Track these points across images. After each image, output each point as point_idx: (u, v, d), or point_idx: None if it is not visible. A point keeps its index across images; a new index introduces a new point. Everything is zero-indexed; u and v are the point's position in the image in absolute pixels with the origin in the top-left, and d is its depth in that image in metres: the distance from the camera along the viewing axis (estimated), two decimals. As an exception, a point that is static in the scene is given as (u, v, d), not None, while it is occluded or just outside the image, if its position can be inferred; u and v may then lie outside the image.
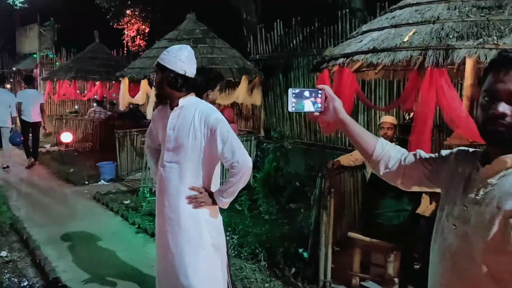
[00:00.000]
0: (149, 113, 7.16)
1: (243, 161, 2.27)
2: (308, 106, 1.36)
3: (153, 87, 2.53)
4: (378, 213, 3.41)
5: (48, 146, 10.39)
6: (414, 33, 3.27)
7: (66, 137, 10.19)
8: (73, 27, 14.08)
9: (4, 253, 4.09)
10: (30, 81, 8.79)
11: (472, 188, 1.18)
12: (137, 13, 14.95)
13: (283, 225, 4.74)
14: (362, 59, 3.49)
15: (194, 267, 2.33)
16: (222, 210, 2.51)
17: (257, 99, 7.71)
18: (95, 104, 11.09)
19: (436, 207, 3.27)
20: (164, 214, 2.41)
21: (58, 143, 10.47)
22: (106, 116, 10.54)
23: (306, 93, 1.36)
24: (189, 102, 2.40)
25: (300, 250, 3.88)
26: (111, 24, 14.77)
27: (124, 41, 15.40)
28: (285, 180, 5.34)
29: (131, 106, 9.53)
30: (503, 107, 1.10)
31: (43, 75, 12.97)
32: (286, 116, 7.84)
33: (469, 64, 3.05)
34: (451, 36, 3.07)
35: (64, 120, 10.96)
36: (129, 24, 15.14)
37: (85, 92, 11.98)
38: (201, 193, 2.36)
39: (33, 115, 8.27)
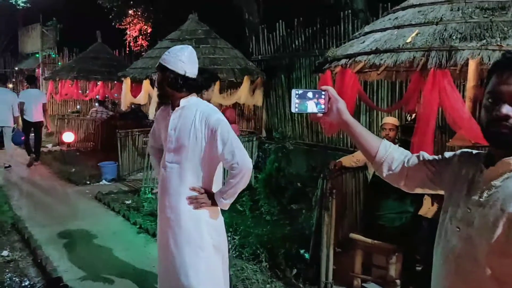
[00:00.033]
0: (151, 113, 7.16)
1: (243, 162, 2.26)
2: (311, 107, 1.36)
3: (155, 87, 2.53)
4: (380, 214, 3.40)
5: (50, 145, 10.40)
6: (417, 34, 3.26)
7: (68, 137, 10.20)
8: (76, 27, 14.10)
9: (5, 253, 4.09)
10: (32, 81, 8.82)
11: (475, 190, 1.18)
12: (139, 13, 14.97)
13: (285, 226, 4.73)
14: (365, 60, 3.48)
15: (194, 267, 2.32)
16: (223, 211, 2.51)
17: (258, 100, 7.71)
18: (97, 104, 11.11)
19: (438, 209, 3.26)
20: (165, 215, 2.42)
21: (60, 142, 10.48)
22: (108, 116, 10.56)
23: (310, 94, 1.35)
24: (190, 102, 2.40)
25: (302, 251, 3.88)
26: (113, 24, 14.79)
27: (126, 41, 15.41)
28: (286, 181, 5.34)
29: (133, 106, 9.54)
30: (506, 109, 1.10)
31: (45, 75, 12.99)
32: (288, 116, 7.84)
33: (472, 66, 3.04)
34: (454, 37, 3.06)
35: (66, 120, 10.98)
36: (131, 24, 15.16)
37: (87, 92, 12.01)
38: (201, 193, 2.35)
39: (35, 115, 8.29)
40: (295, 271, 3.63)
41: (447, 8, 3.36)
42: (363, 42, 3.67)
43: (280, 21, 8.01)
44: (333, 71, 3.89)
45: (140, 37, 15.41)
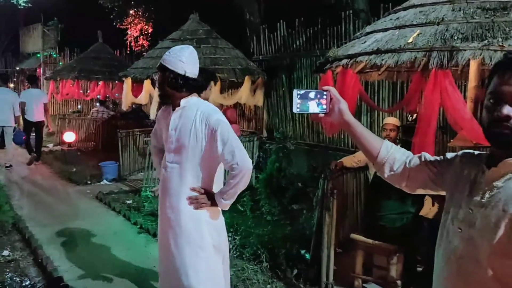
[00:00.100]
0: (152, 113, 7.17)
1: (243, 163, 2.25)
2: (313, 107, 1.35)
3: (156, 87, 2.53)
4: (381, 215, 3.40)
5: (51, 145, 10.41)
6: (418, 35, 3.26)
7: (69, 136, 10.20)
8: (77, 27, 14.12)
9: (6, 252, 4.09)
10: (33, 81, 8.83)
11: (477, 191, 1.17)
12: (140, 13, 14.98)
13: (285, 226, 4.73)
14: (366, 60, 3.48)
15: (194, 267, 2.32)
16: (224, 211, 2.50)
17: (259, 100, 7.71)
18: (98, 104, 11.12)
19: (439, 209, 3.26)
20: (165, 215, 2.42)
21: (61, 142, 10.48)
22: (109, 116, 10.56)
23: (311, 94, 1.35)
24: (190, 102, 2.40)
25: (302, 252, 3.87)
26: (114, 24, 14.80)
27: (127, 41, 15.42)
28: (287, 181, 5.33)
29: (134, 106, 9.54)
30: (507, 110, 1.10)
31: (47, 75, 13.01)
32: (289, 116, 7.83)
33: (473, 66, 3.04)
34: (455, 38, 3.05)
35: (67, 119, 10.98)
36: (132, 24, 15.16)
37: (88, 92, 12.01)
38: (202, 194, 2.35)
39: (36, 115, 8.29)
40: (295, 271, 3.63)
41: (449, 8, 3.35)
42: (364, 42, 3.66)
43: (281, 21, 8.01)
44: (334, 71, 3.88)
45: (141, 37, 15.42)
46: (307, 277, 3.53)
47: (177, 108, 2.40)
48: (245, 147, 2.39)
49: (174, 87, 2.36)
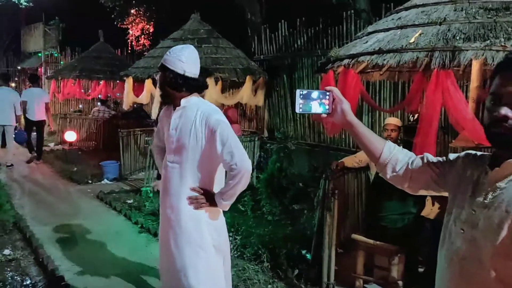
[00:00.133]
0: (154, 112, 7.18)
1: (242, 163, 2.24)
2: (315, 107, 1.35)
3: (157, 87, 2.53)
4: (382, 215, 3.39)
5: (52, 144, 10.41)
6: (420, 35, 3.25)
7: (70, 136, 10.22)
8: (78, 26, 14.14)
9: (7, 251, 4.09)
10: (35, 80, 8.83)
11: (480, 192, 1.17)
12: (141, 12, 14.99)
13: (286, 226, 4.72)
14: (368, 60, 3.48)
15: (194, 267, 2.32)
16: (225, 211, 2.50)
17: (260, 100, 7.70)
18: (99, 103, 11.12)
19: (441, 210, 3.25)
20: (166, 215, 2.42)
21: (62, 141, 10.49)
22: (110, 116, 10.56)
23: (314, 95, 1.35)
24: (190, 102, 2.39)
25: (303, 252, 3.87)
26: (115, 23, 14.82)
27: (129, 41, 15.43)
28: (288, 181, 5.32)
29: (135, 105, 9.54)
30: (505, 110, 1.11)
31: (48, 74, 13.02)
32: (290, 116, 7.83)
33: (475, 66, 3.03)
34: (457, 38, 3.05)
35: (68, 119, 10.99)
36: (133, 24, 15.17)
37: (90, 91, 12.03)
38: (202, 194, 2.35)
39: (37, 114, 8.30)
40: (296, 271, 3.62)
41: (451, 8, 3.35)
42: (366, 42, 3.66)
43: (283, 21, 8.01)
44: (336, 71, 3.88)
45: (142, 36, 15.43)
46: (308, 277, 3.53)
47: (177, 108, 2.40)
48: (246, 147, 2.39)
49: (174, 87, 2.35)
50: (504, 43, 2.83)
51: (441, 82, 3.06)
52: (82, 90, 11.72)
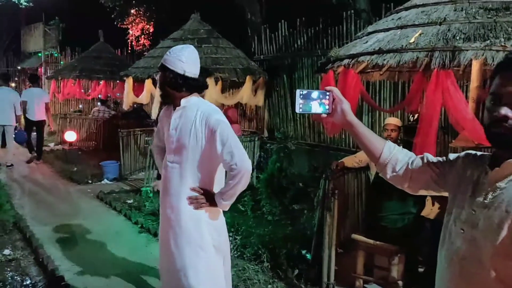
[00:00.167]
0: (154, 113, 7.18)
1: (242, 163, 2.24)
2: (315, 107, 1.35)
3: (157, 87, 2.53)
4: (382, 215, 3.39)
5: (52, 144, 10.42)
6: (420, 35, 3.25)
7: (70, 136, 10.22)
8: (78, 26, 14.14)
9: (7, 251, 4.09)
10: (35, 80, 8.84)
11: (480, 192, 1.17)
12: (141, 12, 14.99)
13: (286, 226, 4.72)
14: (368, 60, 3.48)
15: (194, 268, 2.32)
16: (225, 211, 2.50)
17: (260, 100, 7.70)
18: (99, 103, 11.12)
19: (441, 210, 3.25)
20: (166, 215, 2.42)
21: (62, 141, 10.49)
22: (110, 116, 10.57)
23: (314, 95, 1.35)
24: (190, 102, 2.39)
25: (303, 252, 3.87)
26: (115, 23, 14.81)
27: (129, 41, 15.43)
28: (288, 181, 5.32)
29: (135, 105, 9.54)
30: (505, 110, 1.11)
31: (48, 74, 13.02)
32: (290, 116, 7.83)
33: (475, 66, 3.03)
34: (457, 38, 3.05)
35: (68, 119, 11.00)
36: (133, 24, 15.17)
37: (90, 91, 12.02)
38: (202, 194, 2.35)
39: (37, 114, 8.31)
40: (296, 271, 3.62)
41: (451, 8, 3.35)
42: (366, 42, 3.66)
43: (283, 21, 8.01)
44: (336, 71, 3.88)
45: (142, 36, 15.43)
46: (308, 277, 3.53)
47: (177, 108, 2.40)
48: (246, 147, 2.39)
49: (174, 87, 2.35)
50: (504, 43, 2.83)
51: (441, 82, 3.06)
52: (82, 90, 11.72)
